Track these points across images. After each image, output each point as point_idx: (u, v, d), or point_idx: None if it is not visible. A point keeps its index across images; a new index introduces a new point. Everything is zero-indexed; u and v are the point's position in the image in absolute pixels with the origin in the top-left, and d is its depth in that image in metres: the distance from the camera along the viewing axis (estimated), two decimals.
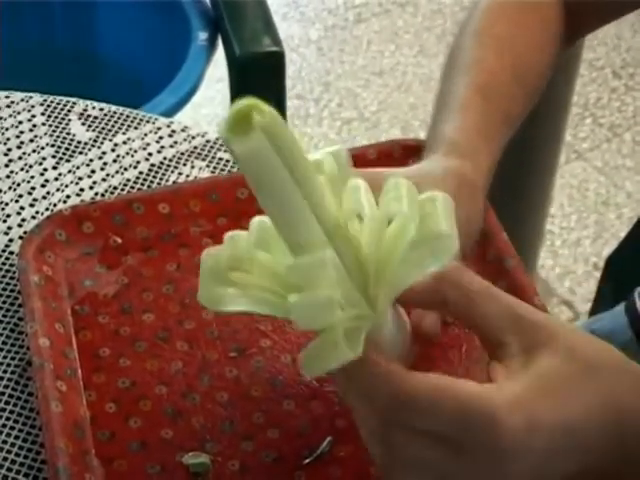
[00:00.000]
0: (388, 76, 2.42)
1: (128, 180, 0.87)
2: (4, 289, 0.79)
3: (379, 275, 0.55)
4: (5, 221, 0.84)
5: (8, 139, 0.90)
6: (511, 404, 0.51)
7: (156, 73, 1.26)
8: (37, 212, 0.84)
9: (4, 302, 0.79)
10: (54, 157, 0.88)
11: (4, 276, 0.80)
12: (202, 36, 1.25)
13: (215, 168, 0.88)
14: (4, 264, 0.81)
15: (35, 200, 0.85)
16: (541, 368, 0.53)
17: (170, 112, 1.17)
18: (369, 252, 0.54)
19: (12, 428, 0.72)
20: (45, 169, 0.87)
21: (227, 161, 0.88)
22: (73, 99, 0.93)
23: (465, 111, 0.74)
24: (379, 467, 0.56)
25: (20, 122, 0.91)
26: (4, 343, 0.76)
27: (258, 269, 0.58)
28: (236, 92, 1.18)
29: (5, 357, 0.75)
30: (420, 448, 0.53)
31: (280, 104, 1.19)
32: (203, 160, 0.88)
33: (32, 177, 0.87)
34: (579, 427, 0.53)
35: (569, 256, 2.03)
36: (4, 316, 0.78)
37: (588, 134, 2.26)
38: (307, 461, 0.70)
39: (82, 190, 0.86)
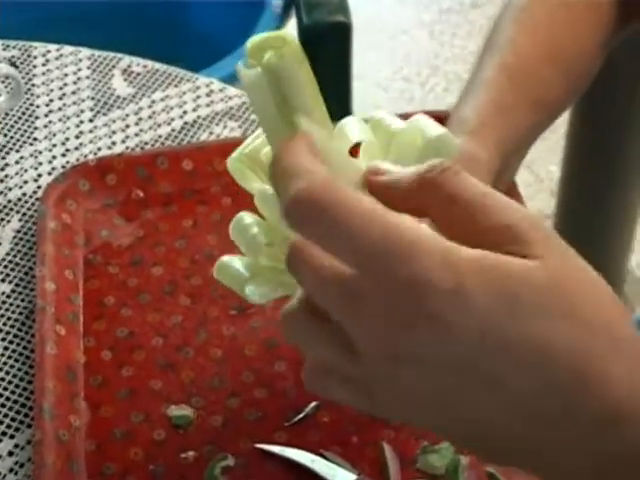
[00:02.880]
0: None
1: (160, 136, 0.88)
2: (25, 233, 0.81)
3: None
4: (36, 168, 0.86)
5: (52, 90, 0.91)
6: (450, 257, 0.40)
7: (230, 38, 1.27)
8: (67, 162, 0.86)
9: (23, 246, 0.80)
10: (92, 110, 0.90)
11: (27, 221, 0.82)
12: (277, 3, 1.25)
13: (247, 129, 0.88)
14: (29, 209, 0.83)
15: (67, 150, 0.87)
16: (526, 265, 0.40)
17: (232, 78, 1.17)
18: None
19: (12, 367, 0.73)
20: (81, 121, 0.89)
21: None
22: (119, 55, 0.94)
23: (484, 89, 0.71)
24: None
25: (66, 74, 0.93)
26: (17, 285, 0.78)
27: None
28: None
29: (16, 299, 0.77)
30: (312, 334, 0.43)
31: (344, 78, 1.18)
32: (236, 121, 0.88)
33: (68, 128, 0.88)
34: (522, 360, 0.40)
35: None
36: (21, 259, 0.80)
37: None
38: (289, 423, 0.69)
39: (114, 143, 0.87)
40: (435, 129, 0.52)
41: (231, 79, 1.19)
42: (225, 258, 0.57)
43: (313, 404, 0.70)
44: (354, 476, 0.65)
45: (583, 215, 1.70)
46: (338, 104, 1.20)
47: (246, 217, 0.56)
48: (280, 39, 0.48)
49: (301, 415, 0.69)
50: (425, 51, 2.43)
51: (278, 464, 0.67)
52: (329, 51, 1.17)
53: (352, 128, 0.53)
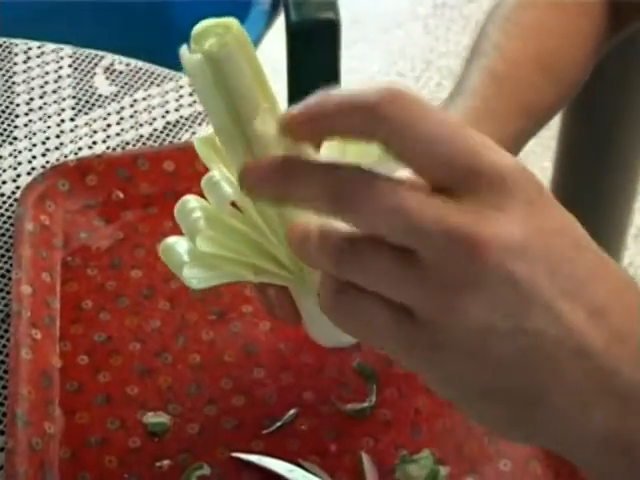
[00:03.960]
0: None
1: (141, 136, 0.86)
2: (3, 235, 0.80)
3: None
4: (15, 168, 0.84)
5: (32, 89, 0.90)
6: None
7: None
8: (47, 162, 0.85)
9: (0, 248, 0.79)
10: (73, 109, 0.88)
11: (5, 222, 0.81)
12: (265, 0, 1.24)
13: None
14: (7, 210, 0.82)
15: (48, 150, 0.86)
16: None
17: None
18: None
19: None
20: (62, 120, 0.88)
21: None
22: (102, 53, 0.93)
23: (472, 96, 0.70)
24: (326, 305, 0.43)
25: (47, 73, 0.91)
26: None
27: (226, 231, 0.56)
28: (291, 59, 1.17)
29: None
30: (366, 251, 0.41)
31: (332, 75, 1.16)
32: None
33: (49, 127, 0.87)
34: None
35: None
36: None
37: None
38: (267, 431, 0.68)
39: (95, 143, 0.86)
40: None
41: None
42: (170, 239, 0.56)
43: (291, 412, 0.69)
44: None
45: (575, 213, 1.69)
46: None
47: (192, 201, 0.55)
48: (224, 26, 0.47)
49: (279, 423, 0.68)
50: (419, 45, 2.41)
51: (255, 474, 0.66)
52: (317, 48, 1.16)
53: None
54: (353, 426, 0.68)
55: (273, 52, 1.61)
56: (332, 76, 1.18)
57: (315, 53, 1.16)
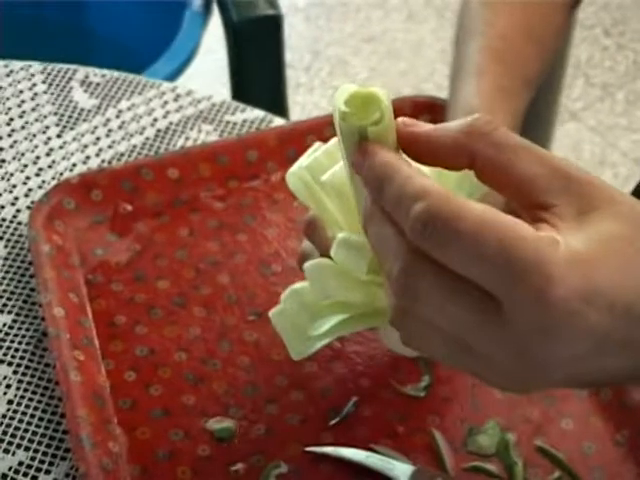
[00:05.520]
0: (377, 43, 2.40)
1: (134, 146, 0.85)
2: (14, 260, 0.78)
3: None
4: (11, 192, 0.82)
5: (9, 108, 0.88)
6: (569, 261, 0.42)
7: (151, 42, 1.24)
8: (43, 181, 0.83)
9: (15, 273, 0.77)
10: (57, 125, 0.87)
11: (14, 247, 0.79)
12: (197, 2, 1.23)
13: (223, 131, 0.86)
14: (13, 235, 0.79)
15: (41, 169, 0.84)
16: (600, 232, 0.44)
17: (170, 79, 1.15)
18: None
19: (31, 400, 0.70)
20: (49, 138, 0.86)
21: (234, 124, 0.87)
22: (74, 66, 0.91)
23: (481, 76, 0.72)
24: (393, 322, 0.47)
25: (21, 91, 0.89)
26: (17, 315, 0.75)
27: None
28: (234, 59, 1.17)
29: (20, 329, 0.74)
30: (446, 294, 0.43)
31: (278, 69, 1.17)
32: (210, 124, 0.87)
33: (36, 146, 0.85)
34: None
35: None
36: (16, 287, 0.76)
37: (581, 94, 2.24)
38: (333, 422, 0.69)
39: (88, 158, 0.84)
40: None
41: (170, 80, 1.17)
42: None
43: (352, 401, 0.69)
44: (411, 467, 0.65)
45: None
46: (273, 92, 1.20)
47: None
48: (373, 99, 0.47)
49: (343, 413, 0.69)
50: (304, 36, 2.43)
51: (331, 465, 0.67)
52: (261, 44, 1.16)
53: None
54: (416, 406, 0.69)
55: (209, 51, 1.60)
56: (277, 68, 1.18)
57: (259, 50, 1.16)
